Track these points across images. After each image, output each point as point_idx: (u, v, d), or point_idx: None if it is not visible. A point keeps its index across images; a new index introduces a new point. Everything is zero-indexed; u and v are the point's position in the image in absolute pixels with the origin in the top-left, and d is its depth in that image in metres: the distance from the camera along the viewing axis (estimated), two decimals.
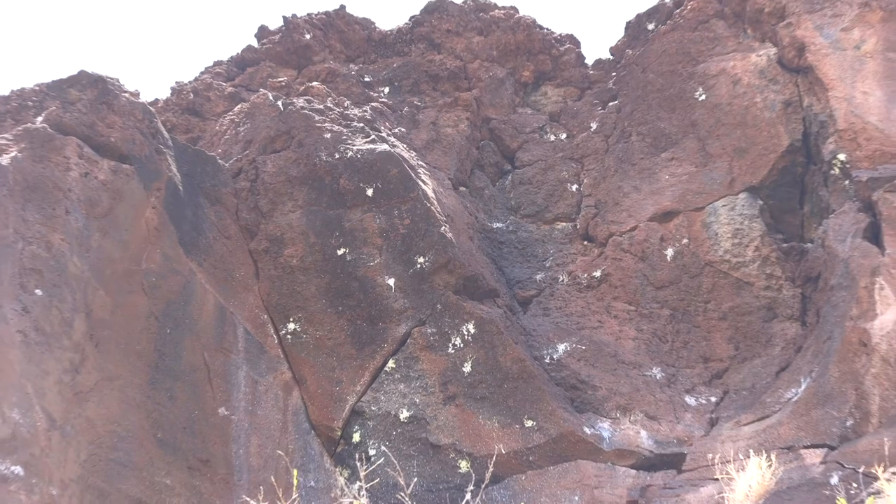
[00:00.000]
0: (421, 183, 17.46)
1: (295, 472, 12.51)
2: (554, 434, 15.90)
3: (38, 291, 14.28)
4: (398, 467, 14.00)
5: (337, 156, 17.41)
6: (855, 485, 13.38)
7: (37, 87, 17.10)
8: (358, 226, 16.98)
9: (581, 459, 15.82)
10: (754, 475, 14.23)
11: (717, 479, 14.58)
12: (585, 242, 18.31)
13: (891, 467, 13.04)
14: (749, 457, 14.55)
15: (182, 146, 17.07)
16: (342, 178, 17.21)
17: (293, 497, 8.09)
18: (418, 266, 16.72)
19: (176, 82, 20.66)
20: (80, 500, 13.48)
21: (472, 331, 16.37)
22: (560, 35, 21.35)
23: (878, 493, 12.48)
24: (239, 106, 18.82)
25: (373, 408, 16.15)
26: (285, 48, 21.01)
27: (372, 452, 15.55)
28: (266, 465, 14.96)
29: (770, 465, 14.39)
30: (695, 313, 17.51)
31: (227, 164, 17.51)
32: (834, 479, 14.29)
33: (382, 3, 68.39)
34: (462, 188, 19.02)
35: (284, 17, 21.47)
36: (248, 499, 11.46)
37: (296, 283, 16.71)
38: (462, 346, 16.31)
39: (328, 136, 17.65)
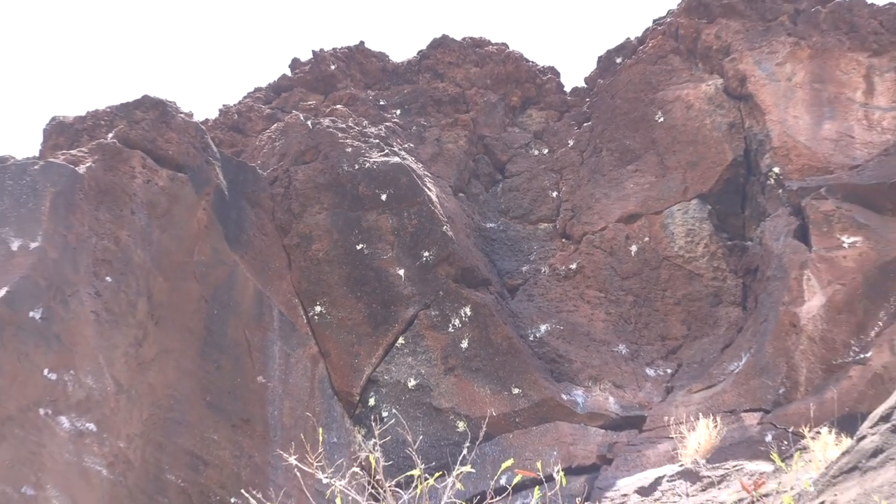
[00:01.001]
0: (426, 189, 17.53)
1: (320, 430, 12.56)
2: (536, 400, 16.00)
3: (108, 278, 14.38)
4: (406, 427, 14.06)
5: (356, 167, 17.48)
6: (785, 442, 13.47)
7: (108, 109, 17.17)
8: (374, 225, 17.04)
9: (559, 421, 15.90)
10: (702, 434, 14.31)
11: (671, 438, 14.64)
12: (563, 240, 18.34)
13: (815, 428, 13.12)
14: (698, 419, 14.61)
15: (227, 158, 17.13)
16: (361, 185, 17.28)
17: (319, 451, 8.13)
18: (424, 259, 16.80)
19: (223, 105, 20.70)
20: (143, 451, 13.56)
21: (469, 313, 16.45)
22: (543, 67, 21.31)
23: (804, 448, 12.56)
24: (275, 125, 18.86)
25: (385, 377, 16.23)
26: (314, 77, 21.02)
27: (385, 414, 15.63)
28: (296, 424, 15.03)
29: (716, 426, 14.46)
30: (654, 299, 17.55)
31: (264, 174, 17.56)
32: (768, 437, 14.41)
33: (395, 37, 68.06)
34: (461, 194, 19.04)
35: (313, 51, 21.52)
36: (281, 452, 11.51)
37: (322, 273, 16.76)
38: (460, 325, 16.39)
39: (349, 150, 17.71)
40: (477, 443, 10.47)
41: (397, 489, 7.82)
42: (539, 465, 12.10)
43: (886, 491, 9.89)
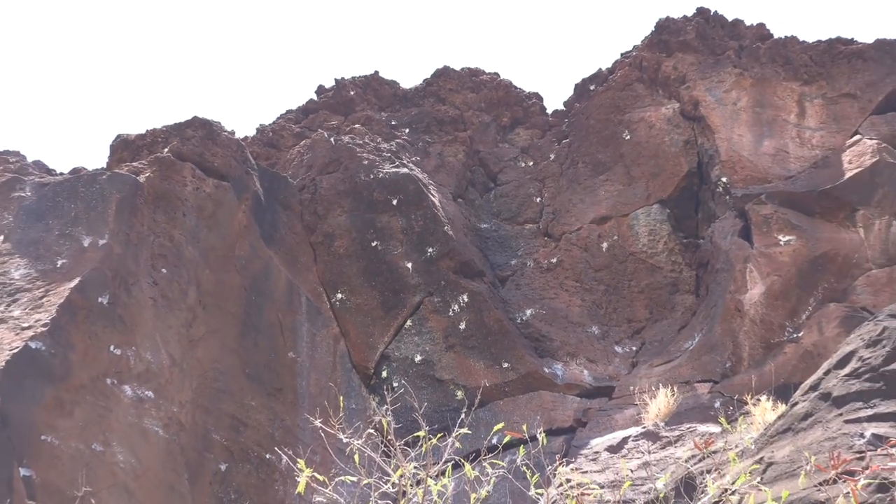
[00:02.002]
0: (431, 196, 17.54)
1: (341, 398, 12.59)
2: (523, 372, 16.03)
3: (164, 270, 14.41)
4: (413, 395, 14.07)
5: (372, 176, 17.49)
6: (731, 408, 13.52)
7: (164, 128, 17.17)
8: (386, 225, 17.05)
9: (542, 390, 15.94)
10: (662, 401, 14.33)
11: (636, 404, 14.66)
12: (545, 238, 18.32)
13: (756, 396, 13.14)
14: (658, 388, 14.64)
15: (263, 169, 17.15)
16: (375, 192, 17.29)
17: (340, 415, 8.15)
18: (428, 254, 16.81)
19: (260, 124, 20.70)
20: (192, 415, 13.60)
21: (466, 300, 16.47)
22: (528, 92, 21.26)
23: (746, 413, 12.58)
24: (303, 141, 18.86)
25: (396, 353, 16.26)
26: (336, 101, 21.00)
27: (395, 385, 15.63)
28: (321, 392, 15.06)
29: (673, 395, 14.48)
30: (622, 288, 17.56)
31: (294, 182, 17.57)
32: (717, 404, 14.46)
33: (404, 65, 67.96)
34: (459, 199, 19.02)
35: (335, 79, 21.51)
36: (308, 416, 11.51)
37: (342, 266, 16.78)
38: (459, 310, 16.41)
39: (366, 162, 17.72)
40: (472, 409, 10.49)
41: (406, 447, 7.83)
42: (525, 427, 12.07)
43: (815, 448, 9.92)
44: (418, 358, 16.17)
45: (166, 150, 15.99)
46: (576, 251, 17.89)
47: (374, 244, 16.86)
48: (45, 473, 11.51)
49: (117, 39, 64.15)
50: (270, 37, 64.16)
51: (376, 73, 21.69)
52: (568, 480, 10.89)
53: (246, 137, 20.12)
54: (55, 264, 13.86)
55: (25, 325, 12.75)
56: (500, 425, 10.29)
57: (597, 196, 18.20)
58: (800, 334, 15.30)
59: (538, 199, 18.84)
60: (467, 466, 7.86)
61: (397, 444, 7.77)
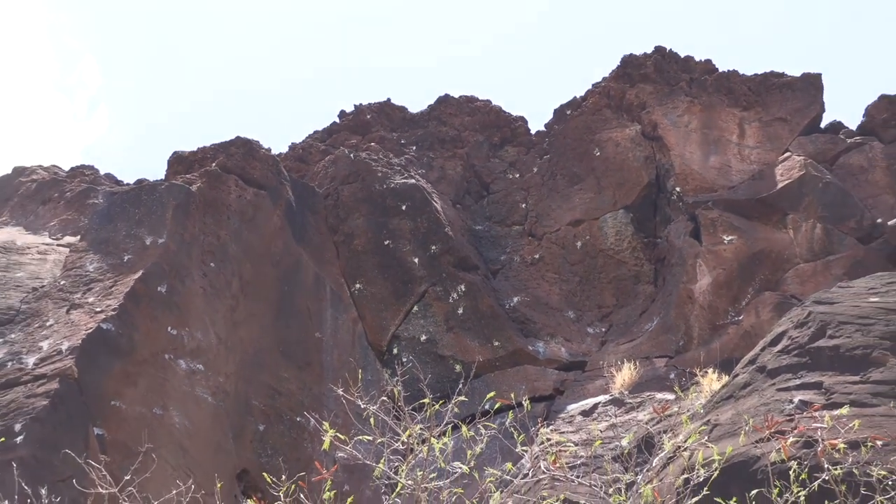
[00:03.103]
0: (434, 202, 17.54)
1: (359, 371, 12.59)
2: (510, 350, 16.01)
3: (212, 264, 14.42)
4: (419, 368, 14.04)
5: (385, 186, 17.48)
6: (683, 379, 13.51)
7: (211, 146, 17.20)
8: (397, 227, 17.03)
9: (526, 364, 15.92)
10: (626, 373, 14.33)
11: (605, 376, 14.64)
12: (530, 238, 18.29)
13: (704, 368, 13.14)
14: (623, 363, 14.64)
15: (294, 180, 17.14)
16: (388, 199, 17.27)
17: (358, 385, 8.17)
18: (432, 251, 16.80)
19: (291, 143, 20.62)
20: (236, 385, 13.61)
21: (464, 289, 16.45)
22: (515, 116, 21.20)
23: (696, 383, 12.59)
24: (328, 157, 18.84)
25: (405, 334, 16.24)
26: (355, 123, 20.99)
27: (404, 360, 15.62)
28: (342, 366, 15.04)
29: (635, 368, 14.48)
30: (593, 279, 17.54)
31: (320, 191, 17.57)
32: (672, 375, 14.44)
33: (412, 93, 67.97)
34: (458, 205, 18.99)
35: (355, 105, 21.47)
36: (332, 386, 11.52)
37: (360, 261, 16.75)
38: (457, 298, 16.39)
39: (380, 174, 17.71)
40: (469, 380, 10.49)
41: (413, 412, 7.83)
42: (512, 395, 12.07)
43: (752, 412, 9.92)
44: (423, 337, 16.16)
45: (214, 164, 16.05)
46: (555, 248, 17.87)
47: (386, 243, 16.85)
48: (114, 432, 11.55)
49: (185, 72, 64.14)
50: (301, 69, 64.12)
51: (388, 100, 21.68)
52: (548, 439, 10.89)
53: (280, 154, 20.12)
54: (122, 259, 13.88)
55: (98, 309, 12.79)
56: (492, 394, 10.28)
57: (572, 203, 18.19)
58: (740, 318, 15.32)
59: (523, 205, 18.82)
60: (464, 428, 7.86)
61: (406, 409, 7.77)
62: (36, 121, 62.78)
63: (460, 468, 7.51)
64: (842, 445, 7.82)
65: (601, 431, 12.51)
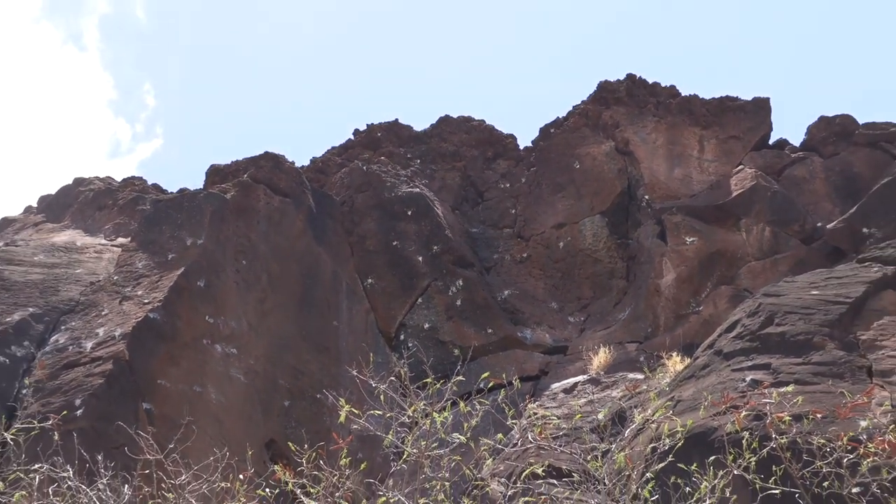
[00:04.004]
0: (435, 208, 17.53)
1: (371, 354, 12.61)
2: (502, 336, 15.99)
3: (244, 262, 14.43)
4: (423, 352, 14.10)
5: (393, 194, 17.48)
6: (651, 361, 13.51)
7: (244, 160, 17.23)
8: (403, 230, 17.02)
9: (515, 349, 15.88)
10: (602, 357, 14.33)
11: (583, 359, 14.66)
12: (519, 239, 18.29)
13: (669, 352, 13.15)
14: (599, 347, 14.65)
15: (315, 189, 17.14)
16: (396, 206, 17.27)
17: (370, 367, 8.18)
18: (434, 250, 16.79)
19: (312, 157, 20.62)
20: (264, 366, 13.59)
21: (461, 284, 16.44)
22: (506, 133, 21.14)
23: (662, 364, 12.60)
24: (344, 169, 18.85)
25: (410, 322, 16.22)
26: (367, 139, 20.98)
27: (410, 345, 15.61)
28: (356, 350, 15.03)
29: (610, 352, 14.48)
30: (574, 275, 17.55)
31: (337, 198, 17.58)
32: (641, 358, 14.42)
33: (418, 112, 68.05)
34: (456, 211, 18.99)
35: (368, 125, 21.45)
36: (347, 367, 11.56)
37: (372, 259, 16.75)
38: (456, 291, 16.39)
39: (388, 184, 17.72)
40: (466, 362, 10.51)
41: (417, 390, 7.84)
42: (504, 375, 12.09)
43: (710, 389, 9.94)
44: (426, 325, 16.15)
45: (246, 175, 16.07)
46: (540, 248, 17.89)
47: (394, 243, 16.85)
48: (161, 407, 11.56)
49: (225, 94, 64.28)
50: (321, 92, 64.30)
51: (396, 119, 21.67)
52: (535, 414, 10.89)
53: (302, 166, 20.14)
54: (167, 258, 13.89)
55: (146, 301, 12.81)
56: (486, 374, 10.26)
57: (555, 209, 18.19)
58: (700, 308, 15.33)
59: (513, 211, 18.83)
60: (462, 404, 7.86)
61: (411, 387, 7.78)
62: (98, 140, 64.04)
63: (458, 439, 7.51)
64: (787, 418, 7.82)
65: (580, 407, 12.51)
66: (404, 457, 7.62)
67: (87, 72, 64.06)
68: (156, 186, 19.28)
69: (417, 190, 17.79)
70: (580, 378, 14.04)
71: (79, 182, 18.97)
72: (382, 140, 20.94)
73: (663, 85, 19.45)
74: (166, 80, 64.14)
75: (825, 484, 7.27)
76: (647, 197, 17.26)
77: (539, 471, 8.47)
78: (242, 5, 63.08)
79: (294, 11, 62.66)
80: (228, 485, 7.76)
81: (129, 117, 64.06)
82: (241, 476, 7.76)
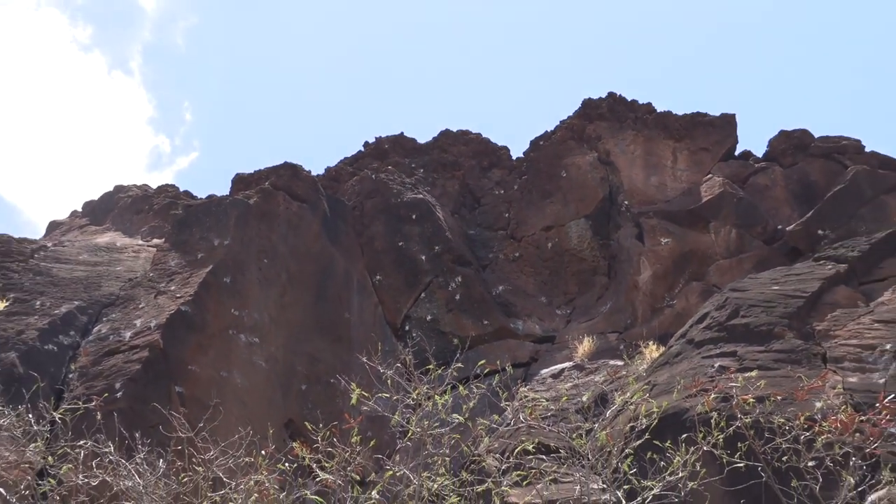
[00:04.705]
0: (437, 213, 17.49)
1: (379, 343, 12.61)
2: (497, 327, 15.92)
3: (265, 260, 14.39)
4: (426, 342, 14.09)
5: (399, 200, 17.45)
6: (630, 349, 13.51)
7: (265, 169, 17.19)
8: (408, 232, 16.97)
9: (508, 338, 15.80)
10: (586, 345, 14.31)
11: (570, 347, 14.63)
12: (511, 240, 18.24)
13: (646, 341, 13.15)
14: (584, 337, 14.64)
15: (329, 196, 17.06)
16: (401, 210, 17.24)
17: (378, 355, 8.18)
18: (435, 250, 16.75)
19: (326, 167, 20.51)
20: (284, 354, 13.55)
21: (460, 280, 16.39)
22: (500, 145, 21.00)
23: (640, 352, 12.61)
24: (355, 177, 18.81)
25: (415, 315, 16.15)
26: (376, 151, 20.93)
27: (414, 335, 15.57)
28: (366, 339, 14.96)
29: (593, 341, 14.47)
30: (561, 272, 17.50)
31: (349, 204, 17.55)
32: (621, 347, 14.41)
33: (420, 125, 67.95)
34: (455, 215, 18.94)
35: (376, 138, 21.36)
36: (358, 355, 11.54)
37: (380, 258, 16.69)
38: (455, 287, 16.35)
39: (395, 190, 17.70)
40: (464, 350, 10.53)
41: (421, 375, 7.85)
42: (498, 362, 12.09)
43: (683, 374, 9.94)
44: (429, 317, 16.11)
45: (267, 183, 16.01)
46: (531, 248, 17.86)
47: (400, 244, 16.82)
48: (191, 390, 11.57)
49: (252, 110, 64.46)
50: (334, 108, 64.35)
51: (402, 133, 21.64)
52: (526, 397, 10.90)
53: (318, 175, 20.10)
54: (196, 257, 13.89)
55: (178, 295, 12.81)
56: (482, 361, 10.29)
57: (544, 213, 18.17)
58: (674, 302, 15.33)
59: (506, 215, 18.80)
60: (461, 387, 7.87)
61: (415, 373, 7.79)
62: (141, 153, 65.13)
63: (458, 419, 7.53)
64: (751, 400, 7.84)
65: (567, 390, 12.51)
66: (409, 435, 7.64)
67: (131, 93, 65.44)
68: (187, 193, 19.29)
69: (421, 196, 17.77)
70: (566, 364, 14.02)
71: (119, 189, 18.99)
72: (389, 151, 20.93)
73: (641, 102, 19.44)
74: (202, 98, 65.13)
75: (784, 458, 7.30)
76: (626, 202, 17.26)
77: (530, 448, 8.49)
78: (268, 34, 64.05)
79: (311, 39, 63.33)
80: (252, 459, 7.77)
81: (169, 132, 65.10)
82: (262, 452, 7.76)
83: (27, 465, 8.92)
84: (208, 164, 62.22)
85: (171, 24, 65.73)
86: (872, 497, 7.43)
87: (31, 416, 8.55)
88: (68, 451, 7.97)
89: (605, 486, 7.72)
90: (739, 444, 7.46)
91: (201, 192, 19.54)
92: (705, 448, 7.39)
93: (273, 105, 63.90)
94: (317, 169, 21.82)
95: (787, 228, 15.56)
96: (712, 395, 8.26)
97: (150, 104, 66.16)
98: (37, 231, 18.11)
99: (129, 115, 66.24)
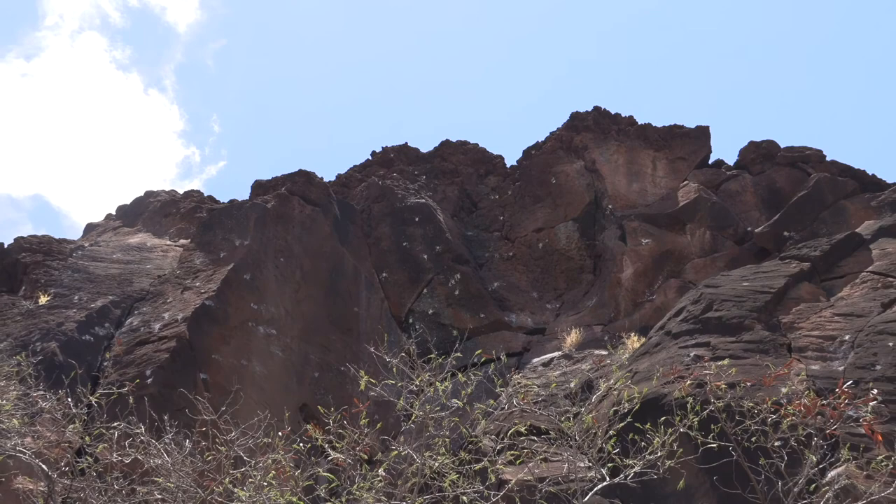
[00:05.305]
0: (438, 216, 17.49)
1: (385, 335, 12.64)
2: (492, 320, 15.93)
3: (282, 259, 14.41)
4: (427, 334, 14.10)
5: (404, 204, 17.46)
6: (614, 340, 13.52)
7: (282, 176, 17.18)
8: (412, 233, 16.98)
9: (503, 330, 15.81)
10: (573, 336, 14.32)
11: (559, 338, 14.65)
12: (506, 241, 18.25)
13: (629, 332, 13.17)
14: (571, 329, 14.66)
15: (339, 200, 17.08)
16: (405, 213, 17.24)
17: (384, 345, 8.19)
18: (436, 250, 16.76)
19: (337, 174, 20.58)
20: (298, 344, 13.49)
21: (459, 277, 16.40)
22: (496, 154, 21.06)
23: (622, 343, 12.62)
24: (363, 183, 18.83)
25: (417, 308, 16.14)
26: (382, 159, 20.92)
27: (417, 327, 15.57)
28: (373, 331, 15.00)
29: (580, 332, 14.48)
30: (551, 269, 17.49)
31: (357, 207, 17.56)
32: (605, 337, 14.38)
33: (421, 135, 68.06)
34: (455, 218, 18.95)
35: (383, 147, 21.35)
36: (366, 345, 11.57)
37: (386, 257, 16.68)
38: (454, 283, 16.36)
39: (399, 195, 17.71)
40: (462, 341, 10.54)
41: (423, 363, 7.87)
42: (493, 352, 12.10)
43: (662, 362, 9.95)
44: (431, 311, 16.12)
45: (283, 188, 16.02)
46: (523, 248, 17.86)
47: (404, 244, 16.84)
48: (214, 377, 11.58)
49: (273, 122, 64.55)
50: (345, 119, 64.57)
51: (406, 143, 21.61)
52: (519, 383, 10.92)
53: (329, 181, 20.11)
54: (219, 256, 13.91)
55: (202, 291, 12.82)
56: (479, 351, 10.28)
57: (536, 216, 18.17)
58: (654, 297, 15.32)
59: (501, 218, 18.81)
60: (460, 375, 7.89)
61: (418, 362, 7.80)
62: (173, 162, 65.96)
63: (457, 403, 7.54)
64: (723, 386, 7.86)
65: (556, 377, 12.54)
66: (412, 418, 7.65)
67: (164, 108, 66.40)
68: (211, 198, 19.28)
69: (423, 201, 17.78)
70: (556, 354, 14.04)
71: (149, 194, 18.98)
72: (394, 160, 20.95)
73: (624, 115, 19.46)
74: (229, 111, 65.98)
75: (753, 439, 7.31)
76: (610, 206, 17.26)
77: (522, 430, 8.51)
78: (286, 54, 64.87)
79: (324, 59, 63.81)
80: (269, 440, 7.79)
81: (200, 143, 65.98)
82: (279, 433, 7.79)
83: (67, 445, 8.94)
84: (235, 171, 62.89)
85: (202, 47, 66.61)
86: (832, 474, 7.46)
87: (70, 400, 8.56)
88: (104, 431, 7.99)
89: (590, 464, 7.74)
90: (713, 426, 7.47)
91: (229, 198, 19.59)
92: (682, 430, 7.40)
93: (291, 117, 64.53)
94: (328, 175, 21.79)
95: (756, 230, 15.57)
96: (688, 382, 8.27)
97: (182, 119, 67.00)
98: (79, 233, 18.08)
99: (162, 128, 67.33)
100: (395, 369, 7.65)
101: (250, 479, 7.30)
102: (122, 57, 66.89)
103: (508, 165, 21.05)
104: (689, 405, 7.57)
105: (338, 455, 7.34)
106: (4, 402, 8.26)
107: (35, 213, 60.28)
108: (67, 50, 63.30)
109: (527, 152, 20.36)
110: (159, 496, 7.68)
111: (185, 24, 66.53)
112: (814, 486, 7.20)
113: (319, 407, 8.57)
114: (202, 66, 67.66)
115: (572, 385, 10.84)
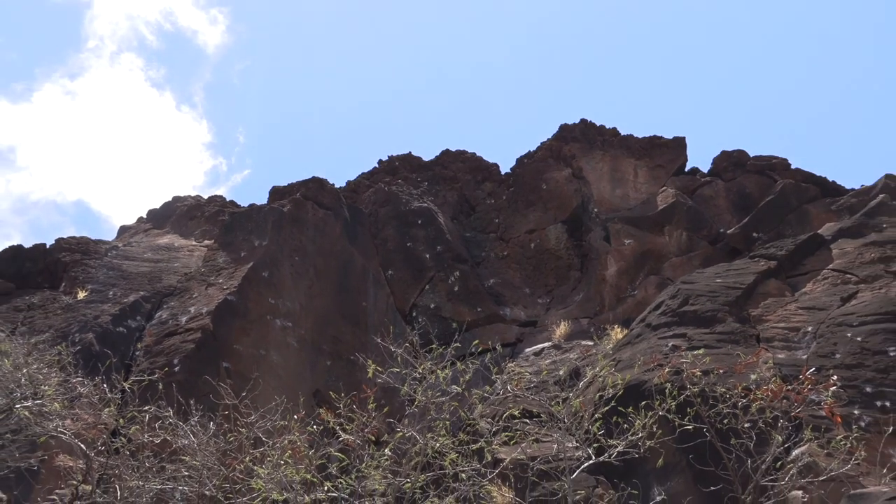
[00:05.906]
0: (439, 218, 17.47)
1: (391, 327, 12.65)
2: (488, 313, 15.88)
3: (297, 258, 14.39)
4: (429, 326, 14.10)
5: (407, 208, 17.44)
6: (599, 332, 13.53)
7: (297, 182, 17.16)
8: (415, 234, 16.94)
9: (498, 323, 15.73)
10: (562, 328, 14.30)
11: (549, 330, 14.64)
12: (501, 241, 18.19)
13: (613, 325, 13.17)
14: (561, 322, 14.66)
15: (349, 204, 17.03)
16: (409, 216, 17.22)
17: (390, 336, 8.19)
18: (437, 250, 16.74)
19: (347, 181, 20.56)
20: (312, 335, 13.51)
21: (458, 274, 16.36)
22: (492, 163, 21.03)
23: (607, 334, 12.63)
24: (371, 189, 18.80)
25: (420, 303, 16.10)
26: (388, 167, 20.87)
27: (420, 320, 15.48)
28: (380, 324, 14.98)
29: (568, 325, 14.47)
30: (543, 267, 17.44)
31: (365, 211, 17.53)
32: (591, 329, 14.40)
33: (423, 144, 68.01)
34: (454, 220, 18.91)
35: (389, 156, 21.32)
36: (373, 336, 11.58)
37: (391, 256, 16.64)
38: (454, 280, 16.33)
39: (404, 200, 17.69)
40: (461, 333, 10.56)
41: (426, 353, 7.89)
42: (489, 342, 12.11)
43: (643, 352, 9.97)
44: (432, 305, 16.08)
45: (298, 194, 16.01)
46: (517, 248, 17.83)
47: (408, 245, 16.83)
48: (236, 366, 11.60)
49: (293, 134, 64.67)
50: (354, 129, 64.64)
51: (409, 152, 21.56)
52: (512, 371, 10.93)
53: (340, 187, 20.08)
54: (240, 255, 13.92)
55: (225, 287, 12.84)
56: (476, 342, 10.28)
57: (528, 219, 18.14)
58: (636, 292, 15.32)
59: (496, 220, 18.77)
60: (459, 363, 7.91)
61: (421, 351, 7.82)
62: (202, 171, 66.58)
63: (456, 389, 7.56)
64: (698, 373, 7.88)
65: (546, 365, 12.56)
66: (416, 403, 7.67)
67: (195, 123, 67.17)
68: (232, 202, 19.27)
69: (425, 205, 17.77)
70: (546, 344, 14.04)
71: (176, 199, 18.99)
72: (399, 168, 20.93)
73: (608, 127, 19.45)
74: (254, 123, 66.51)
75: (725, 421, 7.34)
76: (595, 210, 17.26)
77: (516, 413, 8.54)
78: (304, 71, 65.32)
79: (336, 76, 64.04)
80: (285, 423, 7.81)
81: (226, 154, 66.62)
82: (294, 416, 7.81)
83: (103, 426, 8.98)
84: (258, 178, 63.26)
85: (228, 67, 67.27)
86: (796, 452, 7.49)
87: (105, 386, 8.60)
88: (136, 414, 8.02)
89: (578, 444, 7.77)
90: (688, 410, 7.50)
91: (251, 203, 19.60)
92: (661, 413, 7.43)
93: (307, 128, 64.90)
94: (339, 182, 21.79)
95: (728, 231, 15.58)
96: (666, 370, 8.30)
97: (210, 132, 67.55)
98: (115, 235, 18.13)
99: (192, 140, 68.07)
100: (399, 358, 7.68)
101: (268, 458, 7.33)
102: (157, 76, 67.57)
103: (503, 173, 21.03)
104: (667, 391, 7.60)
105: (348, 436, 7.37)
106: (47, 387, 8.30)
107: (77, 217, 61.11)
108: (107, 70, 64.02)
109: (519, 161, 20.34)
110: (186, 473, 7.72)
111: (214, 46, 67.13)
112: (780, 463, 7.23)
113: (331, 392, 8.58)
114: (229, 84, 68.30)
115: (561, 372, 10.86)
